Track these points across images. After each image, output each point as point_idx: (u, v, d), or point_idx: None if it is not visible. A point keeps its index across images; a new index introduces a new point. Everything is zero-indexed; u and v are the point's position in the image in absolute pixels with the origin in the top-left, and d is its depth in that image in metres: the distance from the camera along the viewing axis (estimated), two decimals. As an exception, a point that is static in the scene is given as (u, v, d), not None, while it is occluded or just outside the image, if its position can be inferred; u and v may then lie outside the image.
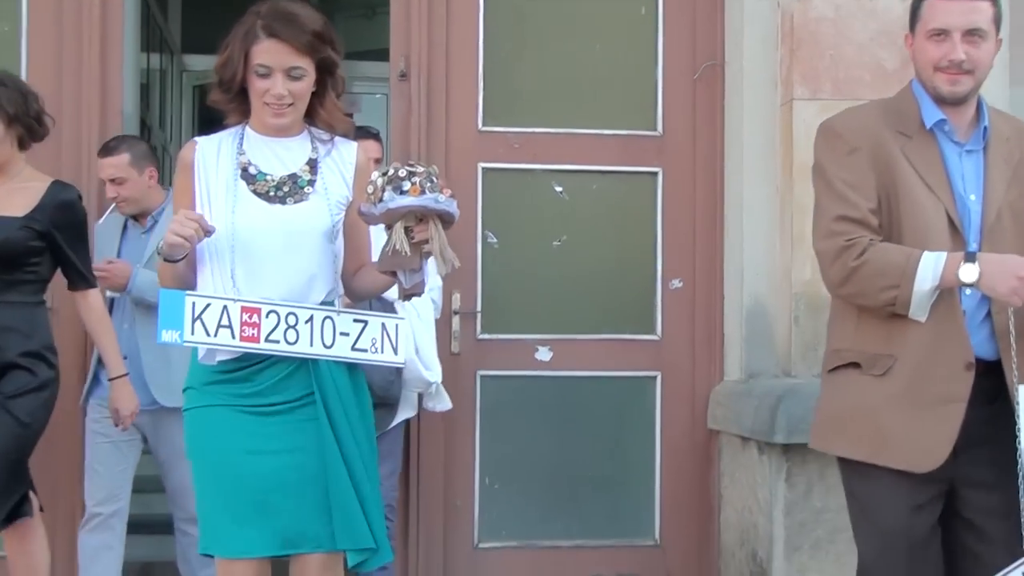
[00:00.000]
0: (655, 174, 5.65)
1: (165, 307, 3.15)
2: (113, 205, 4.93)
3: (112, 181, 4.81)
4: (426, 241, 3.05)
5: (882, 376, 3.21)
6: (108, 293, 4.82)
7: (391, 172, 3.06)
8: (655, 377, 5.62)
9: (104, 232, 4.96)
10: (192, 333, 3.13)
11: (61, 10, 5.36)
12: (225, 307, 3.14)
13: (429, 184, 3.04)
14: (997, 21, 3.23)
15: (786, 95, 5.34)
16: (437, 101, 5.50)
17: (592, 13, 5.73)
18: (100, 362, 4.82)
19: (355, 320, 3.23)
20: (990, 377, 3.14)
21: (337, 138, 3.36)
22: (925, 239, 3.17)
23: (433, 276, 4.52)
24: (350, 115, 3.60)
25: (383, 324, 3.25)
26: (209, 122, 11.32)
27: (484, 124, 5.58)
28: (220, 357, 3.21)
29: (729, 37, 5.63)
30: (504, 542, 5.56)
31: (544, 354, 5.48)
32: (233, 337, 3.13)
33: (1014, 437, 3.08)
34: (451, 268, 3.16)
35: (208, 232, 3.29)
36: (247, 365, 3.19)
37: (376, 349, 3.24)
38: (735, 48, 5.57)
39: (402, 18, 5.55)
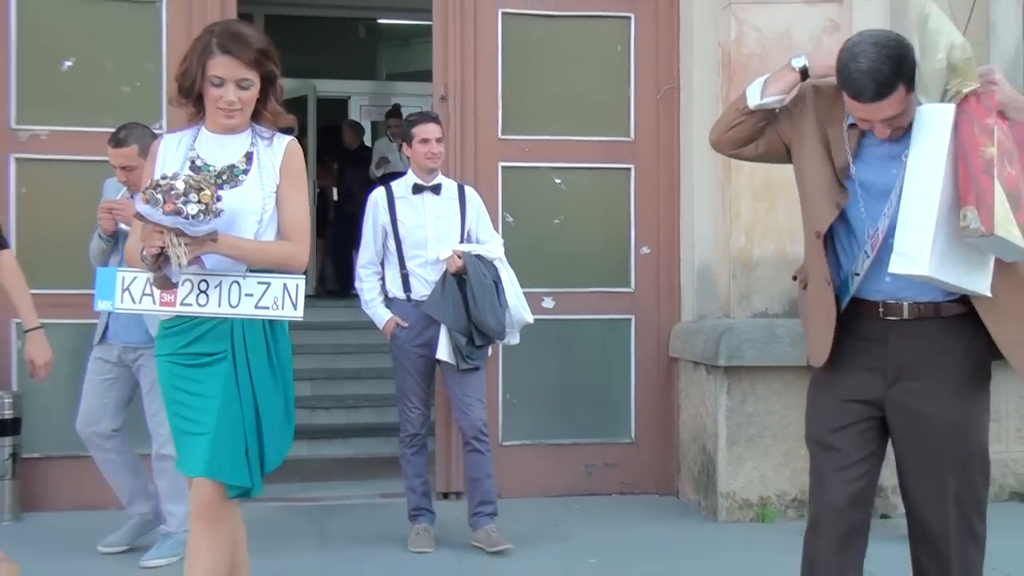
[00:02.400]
0: (628, 169, 5.78)
1: (100, 281, 3.14)
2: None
3: (123, 168, 4.40)
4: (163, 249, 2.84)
5: (804, 290, 2.93)
6: (123, 226, 4.30)
7: (160, 185, 2.81)
8: (630, 319, 5.76)
9: (110, 190, 4.56)
10: (121, 302, 3.02)
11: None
12: (148, 279, 2.98)
13: (184, 203, 2.78)
14: (911, 83, 2.59)
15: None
16: (468, 117, 5.60)
17: (581, 49, 5.79)
18: (110, 313, 4.35)
19: (259, 283, 2.98)
20: (936, 321, 2.70)
21: (276, 134, 3.13)
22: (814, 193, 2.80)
23: (498, 244, 4.76)
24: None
25: (284, 284, 2.99)
26: (286, 130, 11.35)
27: (503, 133, 5.70)
28: (161, 318, 3.06)
29: (683, 67, 5.72)
30: (520, 440, 5.67)
31: (548, 303, 5.59)
32: (154, 303, 2.99)
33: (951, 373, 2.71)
34: (176, 270, 2.90)
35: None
36: (182, 323, 2.99)
37: (277, 306, 2.98)
38: (687, 75, 5.66)
39: (441, 56, 5.65)
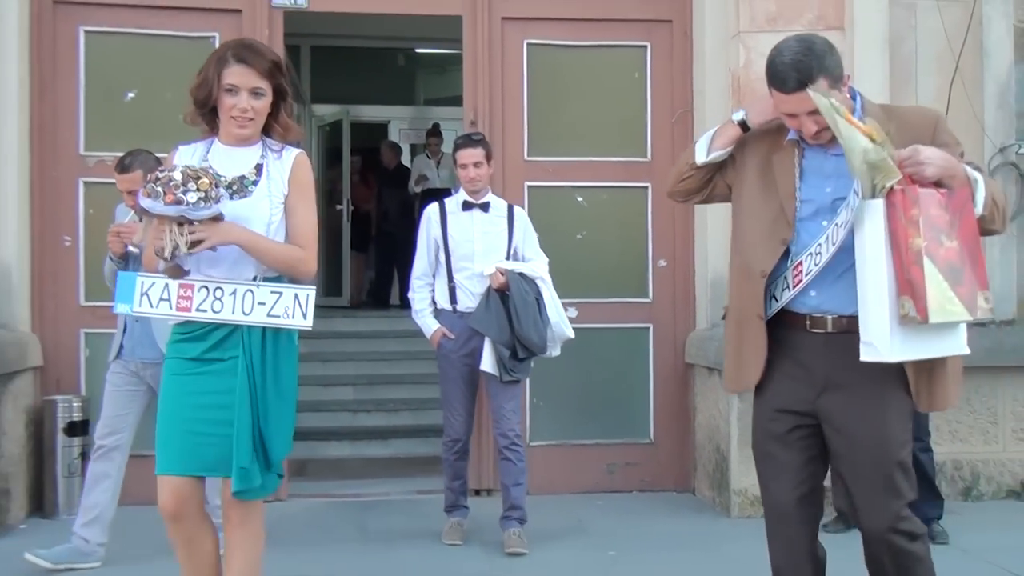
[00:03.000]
0: (646, 188, 5.80)
1: (121, 285, 3.02)
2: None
3: (129, 193, 4.26)
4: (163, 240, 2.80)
5: (730, 320, 2.91)
6: (131, 248, 4.22)
7: (159, 178, 2.76)
8: (648, 328, 5.79)
9: (120, 215, 4.47)
10: (140, 305, 2.95)
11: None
12: (166, 284, 2.92)
13: (184, 193, 2.74)
14: (836, 82, 2.61)
15: (736, 132, 5.55)
16: (496, 140, 5.61)
17: (600, 76, 5.85)
18: (124, 331, 4.34)
19: (272, 292, 2.92)
20: (849, 334, 2.63)
21: (286, 147, 3.06)
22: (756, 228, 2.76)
23: (542, 263, 4.71)
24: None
25: (295, 294, 2.94)
26: (331, 151, 11.59)
27: (528, 155, 5.77)
28: (179, 325, 2.98)
29: (696, 93, 5.75)
30: (547, 441, 5.72)
31: (572, 312, 5.43)
32: (171, 308, 2.92)
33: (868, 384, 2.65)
34: (178, 261, 2.85)
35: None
36: (197, 330, 2.94)
37: (288, 315, 2.92)
38: (700, 100, 5.69)
39: (471, 83, 5.73)
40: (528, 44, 5.80)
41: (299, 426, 6.47)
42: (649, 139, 5.85)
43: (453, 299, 4.69)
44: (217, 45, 5.36)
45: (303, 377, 7.62)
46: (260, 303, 2.90)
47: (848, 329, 2.63)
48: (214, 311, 2.89)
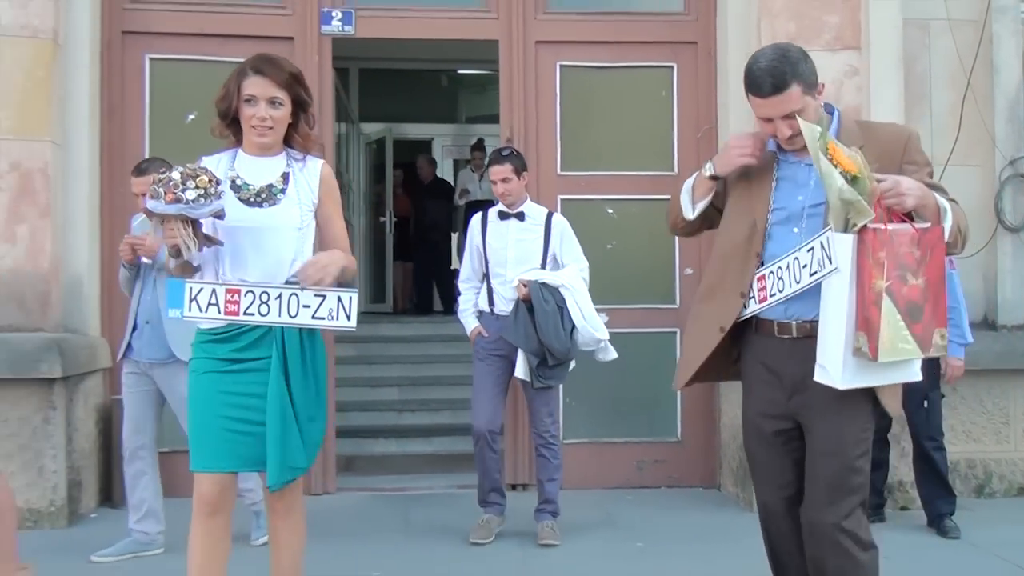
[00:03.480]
0: None
1: (171, 292, 3.04)
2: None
3: (143, 195, 4.11)
4: (175, 237, 2.78)
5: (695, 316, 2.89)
6: (144, 259, 4.33)
7: (160, 180, 2.76)
8: (675, 332, 5.75)
9: (136, 227, 4.48)
10: (189, 310, 2.93)
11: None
12: (214, 290, 2.91)
13: (183, 191, 2.73)
14: (810, 88, 2.61)
15: (758, 147, 5.57)
16: (531, 155, 5.65)
17: (629, 95, 5.89)
18: (135, 329, 4.37)
19: (316, 295, 2.91)
20: (813, 339, 2.60)
21: (308, 156, 3.06)
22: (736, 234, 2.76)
23: (573, 270, 4.67)
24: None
25: (339, 297, 2.93)
26: (377, 167, 11.71)
27: (561, 169, 5.82)
28: (208, 326, 2.97)
29: (720, 110, 5.76)
30: (579, 439, 5.73)
31: (603, 317, 5.36)
32: (219, 312, 2.91)
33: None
34: (188, 258, 2.86)
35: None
36: (229, 331, 2.94)
37: (332, 317, 2.92)
38: (724, 116, 5.70)
39: (508, 102, 5.81)
40: (561, 66, 5.86)
41: (347, 424, 6.63)
42: (676, 154, 5.87)
43: (491, 302, 4.77)
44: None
45: (351, 378, 7.74)
46: (305, 306, 2.91)
47: (811, 333, 2.60)
48: (261, 314, 2.90)
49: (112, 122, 5.61)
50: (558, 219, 4.85)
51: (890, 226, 2.47)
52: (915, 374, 2.60)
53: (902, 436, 5.12)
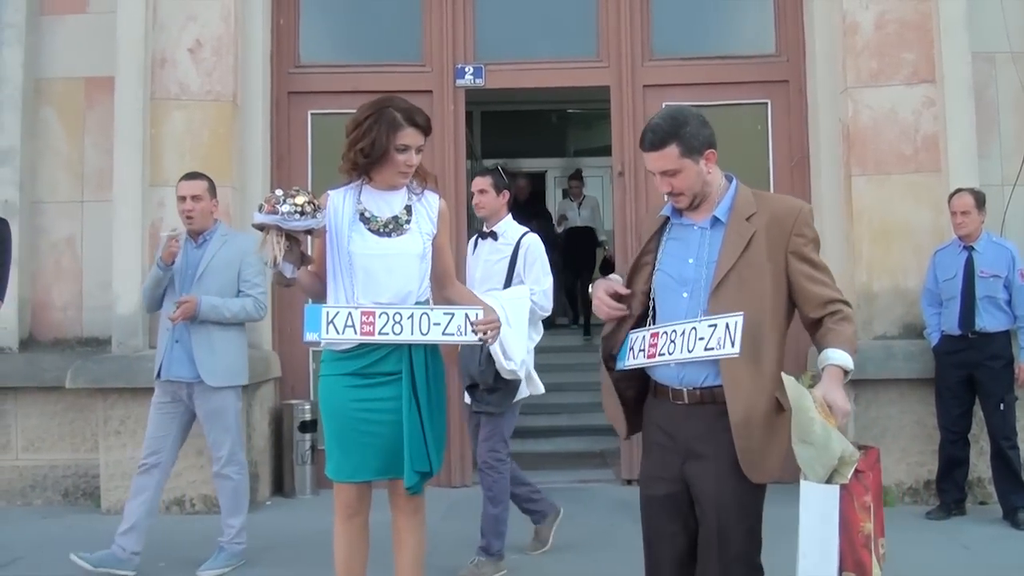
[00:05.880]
0: None
1: (308, 317, 2.91)
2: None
3: (192, 197, 4.31)
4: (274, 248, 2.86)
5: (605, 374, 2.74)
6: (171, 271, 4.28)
7: (268, 196, 2.86)
8: None
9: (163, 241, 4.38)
10: (327, 333, 2.95)
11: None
12: (349, 313, 2.95)
13: (280, 205, 2.80)
14: (691, 151, 2.54)
15: (847, 173, 5.59)
16: (640, 189, 6.00)
17: (728, 129, 5.76)
18: (165, 352, 4.28)
19: (444, 313, 2.98)
20: (713, 405, 2.49)
21: (426, 190, 3.13)
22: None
23: (544, 279, 4.29)
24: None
25: (466, 314, 2.97)
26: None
27: None
28: (341, 347, 3.00)
29: (811, 140, 5.94)
30: None
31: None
32: (356, 333, 2.94)
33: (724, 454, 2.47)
34: (279, 268, 2.88)
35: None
36: (358, 349, 2.99)
37: (461, 333, 2.95)
38: (816, 146, 5.90)
39: (619, 139, 6.10)
40: (666, 105, 6.05)
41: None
42: (772, 181, 6.04)
43: None
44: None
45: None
46: (435, 324, 2.96)
47: (702, 400, 2.52)
48: (395, 333, 2.95)
49: (281, 169, 6.13)
50: (527, 239, 4.43)
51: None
52: None
53: (981, 436, 5.18)
